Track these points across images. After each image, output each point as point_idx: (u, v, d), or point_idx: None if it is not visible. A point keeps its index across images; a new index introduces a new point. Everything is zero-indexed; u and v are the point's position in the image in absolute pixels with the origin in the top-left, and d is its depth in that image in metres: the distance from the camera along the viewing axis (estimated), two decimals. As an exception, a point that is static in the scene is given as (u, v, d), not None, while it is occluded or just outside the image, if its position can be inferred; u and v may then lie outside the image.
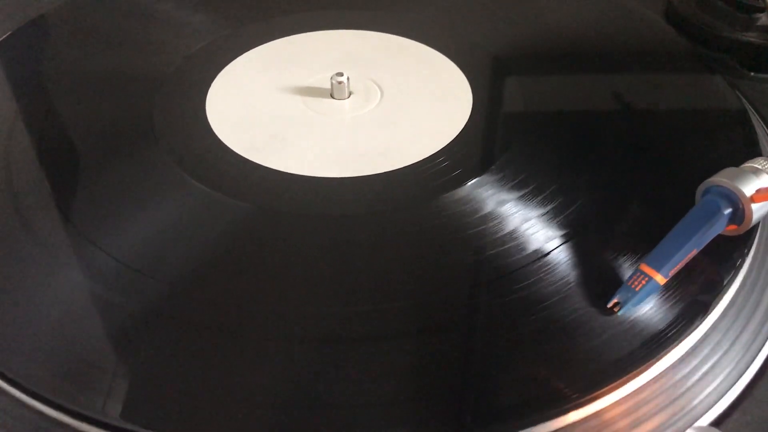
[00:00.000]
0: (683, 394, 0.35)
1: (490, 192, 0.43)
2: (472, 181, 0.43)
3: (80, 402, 0.33)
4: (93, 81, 0.53)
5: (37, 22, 0.59)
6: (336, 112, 0.50)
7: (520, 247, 0.39)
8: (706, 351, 0.37)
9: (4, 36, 0.58)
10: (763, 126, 0.51)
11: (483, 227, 0.41)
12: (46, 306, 0.37)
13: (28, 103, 0.51)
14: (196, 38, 0.56)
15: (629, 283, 0.36)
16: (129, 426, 0.33)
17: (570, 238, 0.40)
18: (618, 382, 0.34)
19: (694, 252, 0.37)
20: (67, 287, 0.38)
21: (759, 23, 0.57)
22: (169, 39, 0.57)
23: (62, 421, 0.34)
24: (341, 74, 0.51)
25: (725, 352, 0.37)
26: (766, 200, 0.38)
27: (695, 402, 0.35)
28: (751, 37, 0.57)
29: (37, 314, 0.37)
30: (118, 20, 0.59)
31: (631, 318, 0.36)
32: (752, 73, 0.56)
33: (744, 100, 0.53)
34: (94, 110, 0.50)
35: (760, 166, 0.39)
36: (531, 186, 0.43)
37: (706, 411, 0.35)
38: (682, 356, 0.36)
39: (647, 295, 0.36)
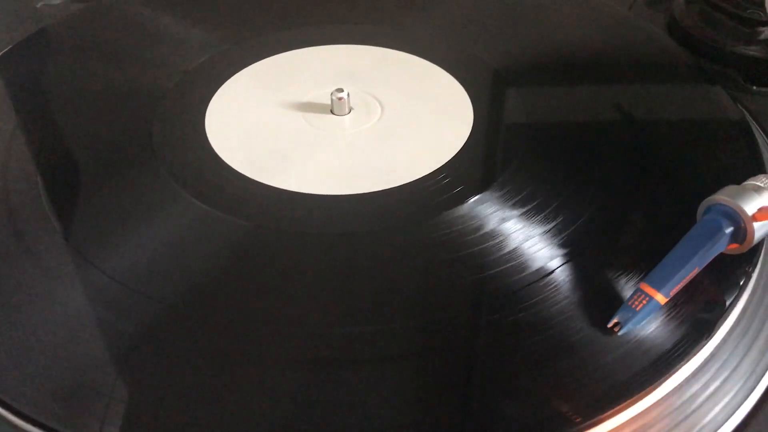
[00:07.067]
0: (690, 415, 0.35)
1: (492, 209, 0.42)
2: (474, 198, 0.43)
3: (76, 426, 0.33)
4: (92, 96, 0.53)
5: (37, 37, 0.59)
6: (336, 128, 0.50)
7: (522, 266, 0.39)
8: (712, 371, 0.36)
9: (4, 50, 0.58)
10: (766, 140, 0.51)
11: (485, 245, 0.40)
12: (42, 327, 0.37)
13: (27, 117, 0.51)
14: (195, 54, 0.56)
15: (629, 303, 0.36)
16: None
17: (572, 256, 0.40)
18: (623, 404, 0.33)
19: (696, 271, 0.37)
20: (64, 307, 0.38)
21: (762, 37, 0.57)
22: (169, 54, 0.56)
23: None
24: (341, 90, 0.50)
25: (732, 371, 0.37)
26: (768, 219, 0.37)
27: (703, 423, 0.35)
28: (754, 51, 0.57)
29: (33, 335, 0.36)
30: (118, 35, 0.59)
31: (635, 338, 0.35)
32: (755, 87, 0.56)
33: (747, 114, 0.52)
34: (93, 125, 0.50)
35: (762, 184, 0.38)
36: (533, 202, 0.43)
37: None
38: (689, 376, 0.36)
39: (648, 315, 0.36)
